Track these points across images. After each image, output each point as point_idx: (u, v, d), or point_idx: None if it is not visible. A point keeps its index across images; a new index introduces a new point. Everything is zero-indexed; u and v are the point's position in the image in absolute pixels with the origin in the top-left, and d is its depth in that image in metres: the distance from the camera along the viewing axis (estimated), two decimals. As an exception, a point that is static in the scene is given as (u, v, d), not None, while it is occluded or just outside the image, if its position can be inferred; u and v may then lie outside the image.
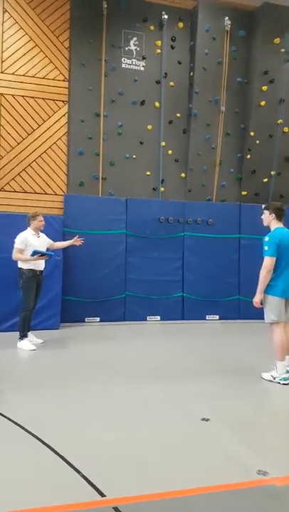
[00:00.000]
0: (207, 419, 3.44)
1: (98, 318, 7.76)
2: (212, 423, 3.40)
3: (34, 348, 5.69)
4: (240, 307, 8.49)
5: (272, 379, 4.52)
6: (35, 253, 5.63)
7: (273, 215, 4.60)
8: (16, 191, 7.90)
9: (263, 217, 4.72)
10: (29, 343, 5.73)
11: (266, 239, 4.50)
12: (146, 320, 7.98)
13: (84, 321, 7.66)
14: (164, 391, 4.18)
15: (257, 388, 4.40)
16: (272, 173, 8.85)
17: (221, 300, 8.38)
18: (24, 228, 6.00)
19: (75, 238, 6.33)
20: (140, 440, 3.12)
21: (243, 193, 8.83)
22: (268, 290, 4.52)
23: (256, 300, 4.54)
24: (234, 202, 8.75)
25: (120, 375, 4.73)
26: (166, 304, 8.10)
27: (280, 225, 4.61)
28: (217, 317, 8.35)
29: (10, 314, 6.55)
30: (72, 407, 3.77)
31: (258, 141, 8.69)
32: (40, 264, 5.88)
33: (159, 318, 8.05)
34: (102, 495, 2.39)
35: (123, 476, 2.62)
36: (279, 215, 4.60)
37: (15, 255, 5.74)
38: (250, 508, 2.32)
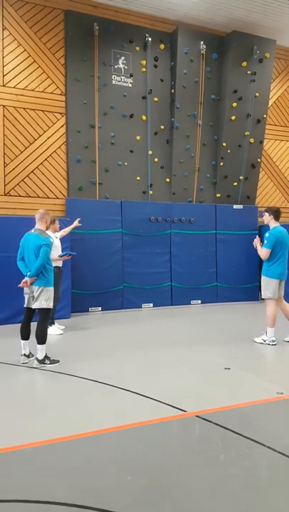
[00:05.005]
0: (229, 368, 4.32)
1: (100, 308, 8.03)
2: (233, 370, 4.29)
3: (62, 332, 6.08)
4: (218, 292, 9.11)
5: (263, 342, 5.34)
6: (63, 254, 6.01)
7: (272, 216, 5.31)
8: (20, 196, 7.87)
9: (263, 217, 5.45)
10: (57, 328, 6.11)
11: (267, 235, 5.27)
12: (141, 307, 8.37)
13: (88, 311, 7.91)
14: (190, 354, 4.96)
15: (256, 348, 5.26)
16: (241, 177, 9.46)
17: (202, 287, 8.95)
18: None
19: (77, 221, 6.74)
20: (191, 383, 3.93)
21: (218, 195, 9.37)
22: (267, 273, 5.26)
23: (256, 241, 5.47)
24: (210, 203, 9.29)
25: (146, 345, 5.40)
26: (157, 292, 8.53)
27: (277, 224, 5.33)
28: (199, 301, 8.92)
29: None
30: (126, 367, 4.45)
31: (229, 151, 9.23)
32: (61, 262, 6.24)
33: (152, 305, 8.47)
34: (183, 411, 3.18)
35: (188, 401, 3.36)
36: (276, 216, 5.30)
37: None
38: (279, 413, 3.25)
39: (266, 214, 5.39)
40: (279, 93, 10.37)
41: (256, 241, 5.41)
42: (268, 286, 5.26)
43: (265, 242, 5.21)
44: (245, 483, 2.20)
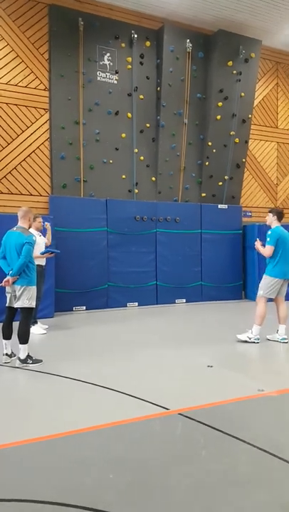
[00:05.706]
0: (212, 366, 4.38)
1: (84, 307, 8.03)
2: (216, 368, 4.35)
3: (45, 332, 6.06)
4: (202, 291, 9.24)
5: (247, 339, 5.41)
6: (45, 252, 5.92)
7: (275, 216, 5.50)
8: (2, 193, 7.80)
9: (266, 217, 5.63)
10: (41, 328, 6.08)
11: (269, 233, 5.42)
12: (126, 306, 8.42)
13: (72, 310, 7.91)
14: (173, 352, 5.02)
15: (239, 346, 5.33)
16: (226, 177, 9.60)
17: (187, 286, 9.06)
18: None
19: (47, 225, 6.46)
20: (174, 381, 4.00)
21: (203, 194, 9.48)
22: (272, 273, 5.35)
23: (257, 244, 5.62)
24: (196, 202, 9.40)
25: (131, 344, 5.43)
26: (142, 291, 8.59)
27: (279, 224, 5.51)
28: (184, 300, 9.02)
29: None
30: (110, 366, 4.50)
31: (214, 150, 9.35)
32: (44, 260, 6.16)
33: (137, 304, 8.52)
34: (166, 409, 3.25)
35: (171, 399, 3.44)
36: (279, 217, 5.51)
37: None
38: (259, 410, 3.32)
39: (270, 214, 5.54)
40: (264, 93, 10.55)
41: (257, 244, 5.55)
42: (268, 285, 5.32)
43: (268, 239, 5.35)
44: (226, 478, 2.28)
